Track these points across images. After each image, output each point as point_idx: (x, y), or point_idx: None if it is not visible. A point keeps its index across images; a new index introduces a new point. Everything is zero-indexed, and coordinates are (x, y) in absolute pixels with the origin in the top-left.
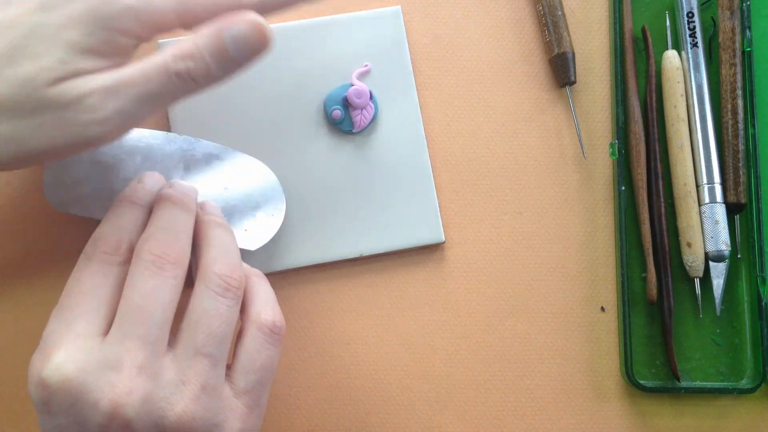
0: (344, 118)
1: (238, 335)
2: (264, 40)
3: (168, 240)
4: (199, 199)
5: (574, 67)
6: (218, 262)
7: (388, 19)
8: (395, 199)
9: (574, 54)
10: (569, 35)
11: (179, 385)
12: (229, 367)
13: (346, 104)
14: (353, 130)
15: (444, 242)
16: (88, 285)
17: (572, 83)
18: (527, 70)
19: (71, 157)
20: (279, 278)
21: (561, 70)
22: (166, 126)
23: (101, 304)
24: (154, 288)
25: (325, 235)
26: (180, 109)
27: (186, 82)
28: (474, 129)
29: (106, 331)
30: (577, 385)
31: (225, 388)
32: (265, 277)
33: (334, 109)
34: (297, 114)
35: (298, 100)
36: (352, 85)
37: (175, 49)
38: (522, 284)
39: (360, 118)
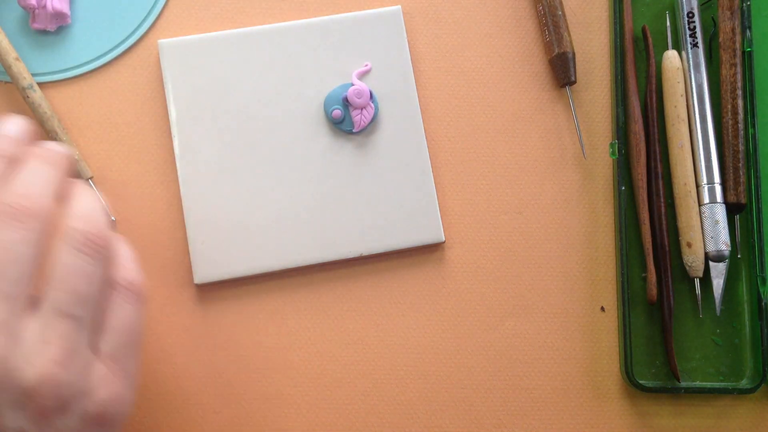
0: (344, 118)
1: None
2: None
3: (27, 190)
4: None
5: (574, 67)
6: (81, 218)
7: (388, 19)
8: (395, 198)
9: (574, 54)
10: (569, 35)
11: (40, 344)
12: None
13: (347, 104)
14: (353, 130)
15: (444, 242)
16: None
17: (572, 83)
18: (527, 70)
19: None
20: (279, 278)
21: (561, 70)
22: (166, 128)
23: None
24: (9, 241)
25: (325, 234)
26: (181, 110)
27: None
28: (474, 129)
29: None
30: (577, 385)
31: (87, 351)
32: (123, 239)
33: (335, 109)
34: (297, 114)
35: (298, 100)
36: (353, 85)
37: None
38: (522, 284)
39: (360, 117)
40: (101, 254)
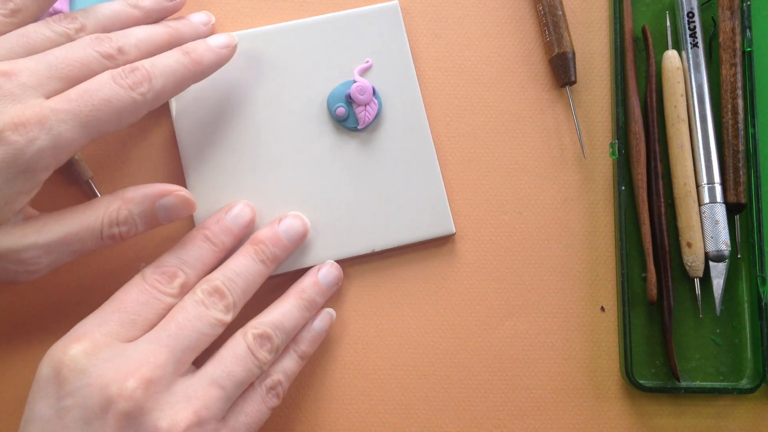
0: (348, 115)
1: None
2: (189, 209)
3: (230, 287)
4: None
5: (574, 67)
6: (267, 326)
7: (386, 14)
8: (403, 193)
9: (574, 54)
10: (569, 35)
11: (184, 399)
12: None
13: (350, 101)
14: (358, 127)
15: (455, 234)
16: (132, 300)
17: (572, 83)
18: (527, 70)
19: None
20: (288, 279)
21: (561, 70)
22: (170, 125)
23: (138, 319)
24: (197, 317)
25: (334, 232)
26: (183, 111)
27: (115, 240)
28: (474, 129)
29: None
30: (577, 385)
31: (220, 424)
32: (301, 357)
33: (338, 107)
34: (301, 113)
35: (301, 99)
36: (355, 82)
37: (110, 214)
38: (522, 284)
39: (364, 114)
40: (268, 359)
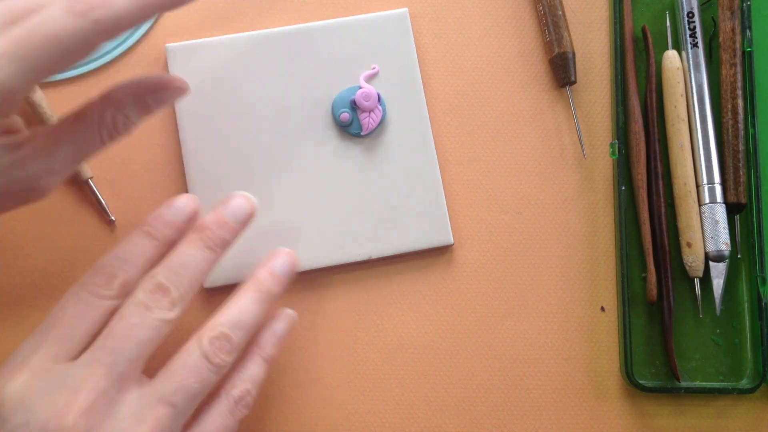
0: (352, 121)
1: (207, 398)
2: (180, 92)
3: (174, 281)
4: None
5: (574, 67)
6: (224, 326)
7: (395, 21)
8: (404, 201)
9: (574, 54)
10: (569, 35)
11: (132, 423)
12: (187, 425)
13: (354, 107)
14: (361, 133)
15: (453, 244)
16: (69, 314)
17: (572, 83)
18: (527, 70)
19: None
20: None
21: (561, 70)
22: (174, 128)
23: (77, 332)
24: (137, 324)
25: (334, 238)
26: (187, 114)
27: (113, 138)
28: (473, 129)
29: (78, 356)
30: (577, 385)
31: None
32: (267, 361)
33: (342, 112)
34: (305, 117)
35: (306, 104)
36: (360, 88)
37: (107, 125)
38: (522, 284)
39: (368, 120)
40: (222, 366)
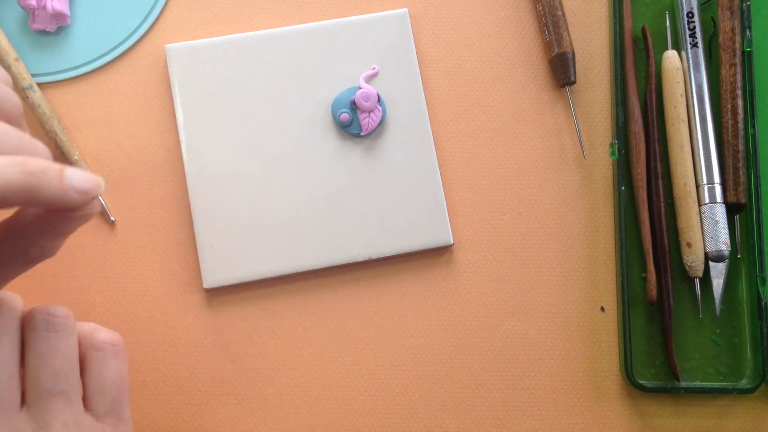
0: (352, 121)
1: (81, 363)
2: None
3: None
4: None
5: (574, 67)
6: (37, 306)
7: (395, 22)
8: (403, 201)
9: (574, 54)
10: (569, 35)
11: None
12: (84, 396)
13: (354, 107)
14: (361, 133)
15: (452, 244)
16: None
17: (572, 83)
18: (527, 70)
19: None
20: (287, 282)
21: (561, 70)
22: (173, 128)
23: None
24: None
25: (334, 238)
26: (187, 114)
27: None
28: (473, 129)
29: None
30: (577, 385)
31: (86, 418)
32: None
33: (342, 113)
34: (305, 117)
35: (305, 104)
36: (360, 88)
37: None
38: (522, 284)
39: (368, 121)
40: (66, 326)
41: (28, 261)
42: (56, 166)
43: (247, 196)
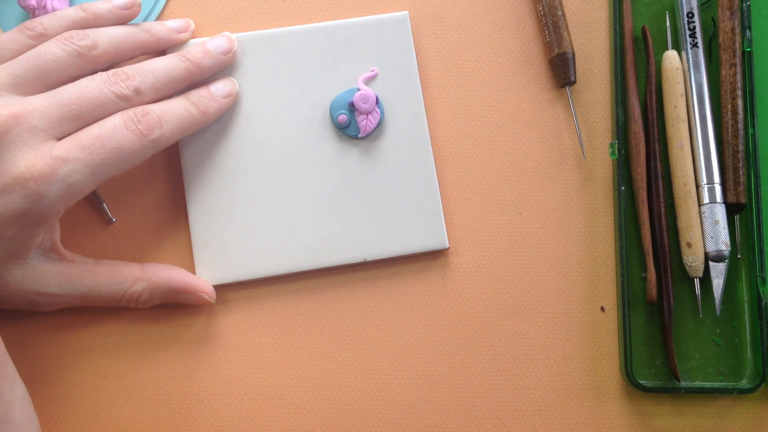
0: (350, 123)
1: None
2: (204, 304)
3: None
4: None
5: (574, 67)
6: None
7: (395, 24)
8: (400, 204)
9: (574, 54)
10: (569, 35)
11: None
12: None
13: (352, 109)
14: (359, 135)
15: (448, 248)
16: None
17: (572, 83)
18: (527, 70)
19: None
20: (282, 282)
21: (561, 70)
22: None
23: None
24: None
25: (330, 239)
26: None
27: (129, 307)
28: (473, 129)
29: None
30: (577, 385)
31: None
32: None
33: (340, 114)
34: (303, 118)
35: (303, 105)
36: (359, 90)
37: (132, 293)
38: (522, 284)
39: (366, 123)
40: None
41: (130, 304)
42: (207, 91)
43: (243, 197)
